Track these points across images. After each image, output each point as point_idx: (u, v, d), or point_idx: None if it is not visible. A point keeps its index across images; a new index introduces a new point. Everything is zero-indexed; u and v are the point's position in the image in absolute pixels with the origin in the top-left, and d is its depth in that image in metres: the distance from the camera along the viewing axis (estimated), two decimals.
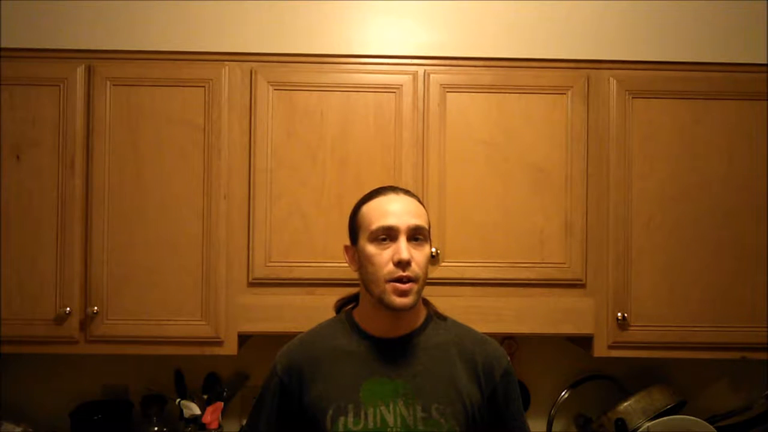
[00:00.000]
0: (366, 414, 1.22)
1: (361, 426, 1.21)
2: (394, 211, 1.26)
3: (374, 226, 1.25)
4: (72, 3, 1.86)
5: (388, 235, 1.24)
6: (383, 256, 1.24)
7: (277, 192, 1.84)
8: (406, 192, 1.32)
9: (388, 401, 1.23)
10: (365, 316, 1.32)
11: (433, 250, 1.81)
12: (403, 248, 1.22)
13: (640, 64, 1.90)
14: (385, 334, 1.29)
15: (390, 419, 1.22)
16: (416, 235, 1.25)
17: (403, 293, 1.22)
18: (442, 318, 1.36)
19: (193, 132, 1.85)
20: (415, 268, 1.23)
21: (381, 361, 1.27)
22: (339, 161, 1.85)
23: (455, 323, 1.37)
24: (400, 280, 1.22)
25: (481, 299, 1.85)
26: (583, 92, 1.88)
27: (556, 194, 1.87)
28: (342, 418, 1.22)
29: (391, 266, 1.22)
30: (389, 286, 1.22)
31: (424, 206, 1.33)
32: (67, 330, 1.82)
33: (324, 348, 1.31)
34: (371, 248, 1.25)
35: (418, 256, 1.24)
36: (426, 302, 1.37)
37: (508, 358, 1.35)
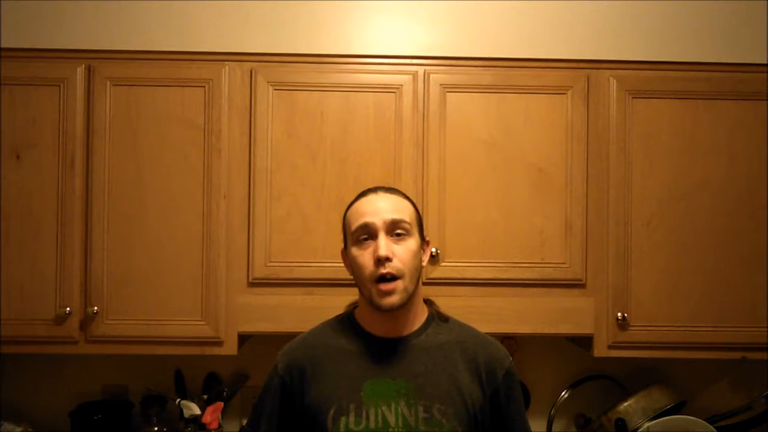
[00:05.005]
0: (367, 414, 1.22)
1: (362, 426, 1.21)
2: (371, 209, 1.26)
3: (353, 227, 1.26)
4: (72, 3, 1.86)
5: (368, 234, 1.25)
6: (365, 257, 1.24)
7: (277, 192, 1.84)
8: (388, 190, 1.32)
9: (389, 401, 1.23)
10: (365, 317, 1.32)
11: (433, 250, 1.81)
12: (381, 245, 1.22)
13: (640, 64, 1.90)
14: (386, 333, 1.29)
15: (392, 419, 1.21)
16: (396, 230, 1.25)
17: (387, 293, 1.21)
18: (444, 319, 1.36)
19: (193, 132, 1.85)
20: (397, 264, 1.22)
21: (382, 361, 1.27)
22: (339, 161, 1.85)
23: (458, 323, 1.37)
24: (383, 278, 1.22)
25: (481, 299, 1.85)
26: (583, 92, 1.88)
27: (556, 194, 1.87)
28: (343, 418, 1.22)
29: (372, 265, 1.22)
30: (374, 288, 1.22)
31: (411, 201, 1.32)
32: (67, 330, 1.82)
33: (325, 347, 1.31)
34: (355, 250, 1.26)
35: (400, 250, 1.23)
36: (429, 303, 1.37)
37: (511, 359, 1.35)
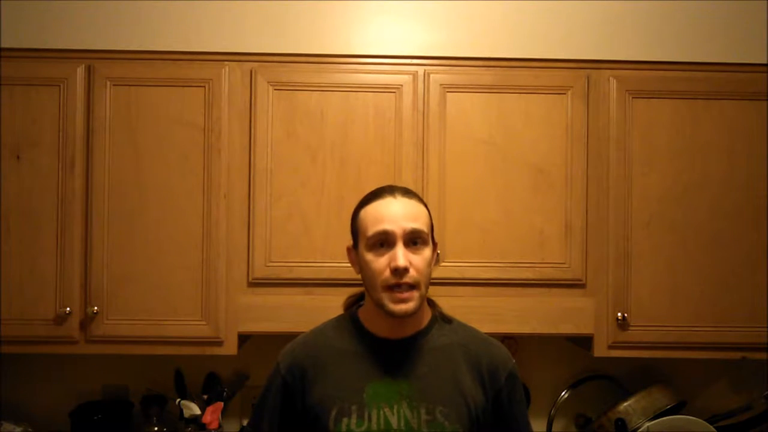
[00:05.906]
0: (370, 415, 1.21)
1: (364, 427, 1.20)
2: (390, 215, 1.22)
3: (370, 232, 1.22)
4: (72, 3, 1.86)
5: (385, 240, 1.21)
6: (380, 263, 1.21)
7: (277, 192, 1.84)
8: (405, 192, 1.28)
9: (392, 403, 1.22)
10: (369, 317, 1.31)
11: None
12: (399, 255, 1.19)
13: (640, 64, 1.90)
14: (389, 335, 1.28)
15: (394, 421, 1.21)
16: (414, 239, 1.22)
17: (401, 300, 1.20)
18: (448, 320, 1.34)
19: (193, 132, 1.85)
20: (414, 274, 1.20)
21: (385, 363, 1.26)
22: (339, 161, 1.85)
23: (461, 325, 1.36)
24: (398, 287, 1.19)
25: (481, 299, 1.85)
26: (583, 92, 1.88)
27: (556, 194, 1.87)
28: (345, 419, 1.21)
29: (388, 273, 1.20)
30: (387, 294, 1.20)
31: (425, 205, 1.29)
32: (67, 330, 1.82)
33: (328, 348, 1.30)
34: (369, 255, 1.23)
35: (417, 260, 1.21)
36: (432, 303, 1.35)
37: (514, 361, 1.34)
